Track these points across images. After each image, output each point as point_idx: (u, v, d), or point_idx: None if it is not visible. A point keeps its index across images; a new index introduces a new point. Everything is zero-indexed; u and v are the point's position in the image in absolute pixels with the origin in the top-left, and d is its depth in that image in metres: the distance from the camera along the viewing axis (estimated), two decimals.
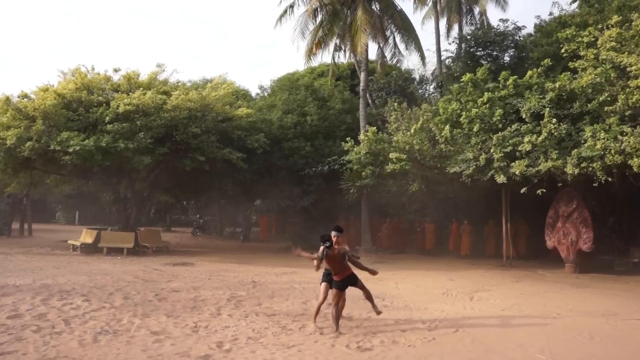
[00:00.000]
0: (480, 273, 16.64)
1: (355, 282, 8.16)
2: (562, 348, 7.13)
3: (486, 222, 22.72)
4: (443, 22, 31.17)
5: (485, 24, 29.47)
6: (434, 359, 6.52)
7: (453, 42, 26.92)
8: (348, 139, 18.66)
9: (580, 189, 16.73)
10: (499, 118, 15.50)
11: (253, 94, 31.85)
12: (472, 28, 28.94)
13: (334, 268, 8.00)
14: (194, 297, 10.21)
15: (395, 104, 18.74)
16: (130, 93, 17.67)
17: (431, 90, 29.34)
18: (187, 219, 40.12)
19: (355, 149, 18.09)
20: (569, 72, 15.37)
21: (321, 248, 7.83)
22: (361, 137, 17.37)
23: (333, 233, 8.20)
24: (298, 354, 6.61)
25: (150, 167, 18.93)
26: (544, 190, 14.85)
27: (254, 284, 12.50)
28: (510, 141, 15.09)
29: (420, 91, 30.52)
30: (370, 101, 26.55)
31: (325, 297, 8.26)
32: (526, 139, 14.11)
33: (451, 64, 25.72)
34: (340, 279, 8.02)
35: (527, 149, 14.12)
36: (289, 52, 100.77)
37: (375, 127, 17.56)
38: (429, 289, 12.68)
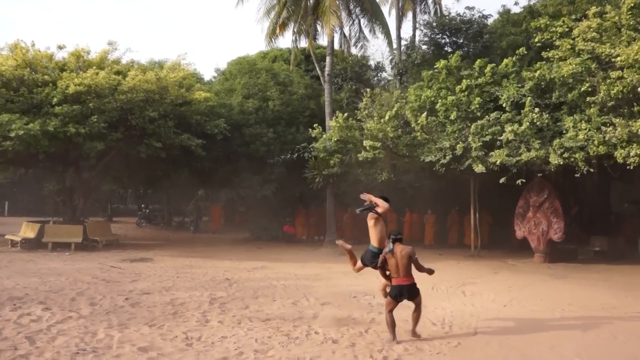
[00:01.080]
0: (453, 264, 16.33)
1: (415, 294, 6.95)
2: (596, 350, 6.65)
3: (449, 212, 22.62)
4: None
5: (439, 12, 29.22)
6: None
7: (418, 27, 26.41)
8: (316, 125, 17.77)
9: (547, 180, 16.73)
10: (477, 106, 15.10)
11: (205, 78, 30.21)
12: (426, 17, 28.68)
13: (392, 269, 6.91)
14: (171, 301, 9.06)
15: (369, 90, 18.00)
16: (80, 72, 15.87)
17: (389, 77, 28.85)
18: (127, 209, 37.96)
19: (324, 135, 17.23)
20: (543, 62, 15.16)
21: (387, 247, 6.84)
22: (331, 123, 16.51)
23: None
24: None
25: (101, 154, 17.22)
26: (524, 180, 14.63)
27: (229, 282, 11.44)
28: (489, 130, 14.72)
29: (375, 79, 30.03)
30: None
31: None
32: (508, 128, 13.75)
33: (412, 52, 25.29)
34: (397, 284, 6.85)
35: (509, 138, 13.77)
36: (231, 36, 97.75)
37: (346, 114, 16.73)
38: (421, 284, 12.05)
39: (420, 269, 7.05)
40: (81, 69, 16.33)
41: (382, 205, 7.14)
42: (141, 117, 16.31)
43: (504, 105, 14.55)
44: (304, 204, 22.61)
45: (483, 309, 9.23)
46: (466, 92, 15.27)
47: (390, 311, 6.87)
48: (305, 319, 8.05)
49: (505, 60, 15.65)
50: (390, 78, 28.97)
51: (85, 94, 15.16)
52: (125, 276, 11.74)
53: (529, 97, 14.01)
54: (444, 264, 15.93)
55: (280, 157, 18.89)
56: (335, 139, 16.50)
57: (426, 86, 17.36)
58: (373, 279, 12.71)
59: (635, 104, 12.49)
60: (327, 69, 19.99)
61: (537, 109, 13.66)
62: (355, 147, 17.12)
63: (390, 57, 28.30)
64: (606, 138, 12.19)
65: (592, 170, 12.93)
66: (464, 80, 15.33)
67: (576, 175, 13.21)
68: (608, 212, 19.24)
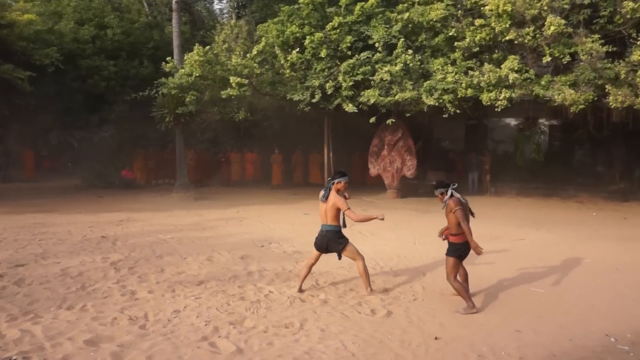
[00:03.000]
0: (316, 203, 16.28)
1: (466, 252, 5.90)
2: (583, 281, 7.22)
3: (294, 151, 22.66)
4: None
5: None
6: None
7: None
8: (169, 58, 15.78)
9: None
10: (348, 45, 14.92)
11: None
12: None
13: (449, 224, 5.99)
14: (62, 272, 7.32)
15: (233, 22, 16.46)
16: None
17: (224, 10, 27.08)
18: None
19: (181, 70, 15.43)
20: (405, 4, 15.50)
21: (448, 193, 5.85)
22: (192, 57, 14.79)
23: (340, 180, 6.41)
24: (322, 333, 5.15)
25: None
26: (393, 120, 15.16)
27: (109, 240, 9.76)
28: (360, 70, 14.74)
29: (205, 10, 27.96)
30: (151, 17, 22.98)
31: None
32: (385, 69, 13.88)
33: None
34: (458, 241, 5.83)
35: (385, 79, 13.95)
36: None
37: (208, 47, 15.11)
38: (306, 226, 11.83)
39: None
40: None
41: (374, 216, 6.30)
42: None
43: (376, 45, 14.62)
44: (143, 146, 20.42)
45: (403, 249, 9.39)
46: (337, 30, 14.95)
47: (455, 277, 5.88)
48: (243, 278, 7.23)
49: (371, 0, 15.63)
50: (224, 9, 27.24)
51: None
52: None
53: (402, 39, 14.27)
54: (308, 205, 15.96)
55: (137, 94, 16.40)
56: (197, 75, 14.88)
57: (287, 21, 16.58)
58: (256, 223, 12.19)
59: (496, 50, 13.61)
60: None
61: (410, 51, 14.02)
62: (215, 84, 15.73)
63: None
64: (474, 82, 13.11)
65: (458, 111, 13.85)
66: (336, 18, 14.95)
67: (444, 115, 14.08)
68: (446, 151, 21.24)
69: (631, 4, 11.12)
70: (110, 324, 5.38)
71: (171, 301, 6.13)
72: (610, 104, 11.61)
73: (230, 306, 5.98)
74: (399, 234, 10.96)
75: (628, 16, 11.44)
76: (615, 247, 9.44)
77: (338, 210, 6.35)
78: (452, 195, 5.84)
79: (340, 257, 6.60)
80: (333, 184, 6.42)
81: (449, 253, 5.89)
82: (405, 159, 17.48)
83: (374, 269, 7.86)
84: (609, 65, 11.62)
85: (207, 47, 14.98)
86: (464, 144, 23.21)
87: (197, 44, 14.95)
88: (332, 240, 6.41)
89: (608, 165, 17.92)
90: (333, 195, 6.36)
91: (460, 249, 5.81)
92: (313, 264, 6.69)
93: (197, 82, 15.41)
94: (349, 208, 6.19)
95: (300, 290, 6.58)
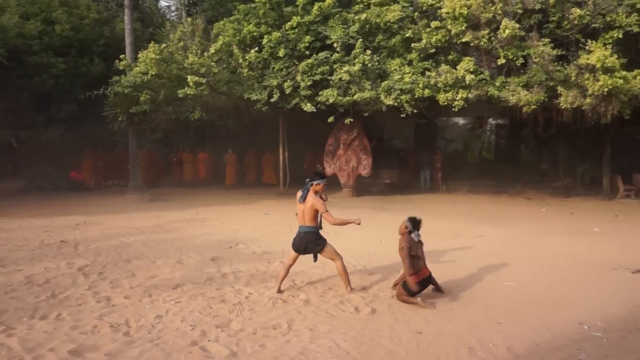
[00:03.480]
0: (274, 203, 16.49)
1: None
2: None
3: (247, 151, 22.52)
4: None
5: None
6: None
7: None
8: (122, 56, 15.29)
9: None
10: (306, 45, 14.96)
11: None
12: None
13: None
14: (28, 279, 6.99)
15: (190, 20, 16.09)
16: None
17: (172, 7, 26.46)
18: None
19: (136, 68, 14.98)
20: (360, 4, 15.73)
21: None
22: (148, 55, 14.38)
23: (319, 182, 6.41)
24: (311, 333, 5.18)
25: None
26: (352, 120, 15.33)
27: (69, 245, 9.39)
28: (318, 69, 14.81)
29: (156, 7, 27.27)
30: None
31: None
32: (344, 69, 14.02)
33: None
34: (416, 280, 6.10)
35: (344, 79, 14.08)
36: None
37: (164, 44, 14.75)
38: (270, 226, 11.81)
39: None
40: None
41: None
42: None
43: (334, 45, 14.74)
44: (92, 146, 19.67)
45: (370, 247, 9.54)
46: (296, 30, 14.96)
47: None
48: (218, 280, 7.14)
49: (328, 0, 15.73)
50: (172, 7, 26.62)
51: None
52: None
53: (360, 39, 14.45)
54: (268, 204, 15.97)
55: (92, 92, 15.69)
56: (153, 73, 14.50)
57: (243, 20, 16.46)
58: (218, 224, 12.05)
59: (452, 52, 14.02)
60: None
61: (368, 51, 14.22)
62: (171, 82, 15.40)
63: None
64: (431, 82, 13.46)
65: (415, 111, 14.17)
66: (294, 17, 14.96)
67: (402, 115, 14.38)
68: (398, 149, 21.66)
69: (578, 11, 11.76)
70: (91, 332, 5.20)
71: (150, 306, 5.99)
72: (561, 104, 12.23)
73: (212, 309, 5.90)
74: (363, 232, 11.03)
75: (575, 22, 12.08)
76: (569, 240, 9.97)
77: (316, 211, 6.38)
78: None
79: (315, 259, 6.65)
80: (311, 185, 6.44)
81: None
82: (360, 158, 17.72)
83: (347, 268, 7.92)
84: (559, 68, 12.24)
85: (163, 45, 14.65)
86: (414, 143, 23.80)
87: (152, 42, 14.59)
88: (310, 242, 6.43)
89: (552, 162, 18.83)
90: (311, 196, 6.38)
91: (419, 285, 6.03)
92: (291, 265, 6.69)
93: (152, 81, 15.03)
94: (326, 211, 6.23)
95: (280, 291, 6.57)
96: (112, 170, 20.57)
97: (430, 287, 6.38)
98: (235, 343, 4.93)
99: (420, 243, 6.24)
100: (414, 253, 6.10)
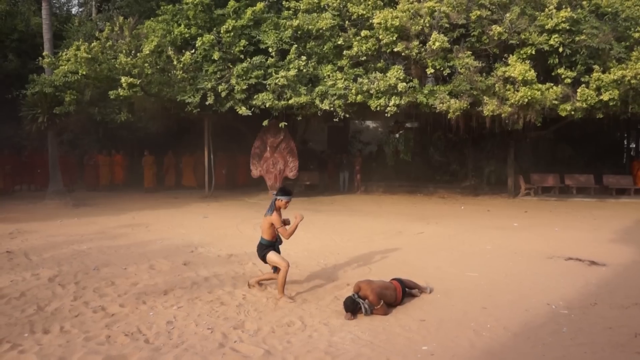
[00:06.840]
0: (204, 206, 16.46)
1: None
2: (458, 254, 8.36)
3: (165, 153, 22.04)
4: None
5: None
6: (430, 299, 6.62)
7: None
8: (46, 53, 14.40)
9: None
10: (241, 49, 15.09)
11: None
12: None
13: None
14: (0, 294, 6.62)
15: (122, 18, 15.39)
16: None
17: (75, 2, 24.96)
18: None
19: (63, 67, 14.15)
20: (289, 11, 16.17)
21: None
22: (78, 53, 13.64)
23: (281, 198, 6.66)
24: (327, 327, 5.55)
25: None
26: (286, 124, 15.70)
27: (14, 254, 8.87)
28: (253, 73, 15.01)
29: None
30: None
31: None
32: (281, 74, 14.35)
33: None
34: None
35: (281, 83, 14.41)
36: None
37: (95, 43, 14.06)
38: (217, 229, 11.90)
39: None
40: None
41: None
42: None
43: (269, 50, 15.01)
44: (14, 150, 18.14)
45: (329, 246, 10.00)
46: (230, 33, 15.02)
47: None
48: (204, 284, 7.23)
49: (259, 5, 15.95)
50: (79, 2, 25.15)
51: None
52: None
53: (294, 45, 14.87)
54: (198, 208, 15.83)
55: (15, 92, 14.38)
56: (83, 73, 13.81)
57: (172, 21, 16.20)
58: (165, 230, 11.87)
59: (381, 59, 14.90)
60: None
61: (303, 57, 14.68)
62: (98, 83, 14.76)
63: None
64: (364, 88, 14.24)
65: (347, 115, 14.88)
66: (229, 21, 15.01)
67: (335, 119, 15.02)
68: (319, 152, 22.35)
69: (499, 29, 13.16)
70: (108, 342, 5.16)
71: (154, 313, 6.00)
72: (485, 112, 13.58)
73: (218, 312, 6.05)
74: (314, 233, 11.47)
75: (495, 37, 13.48)
76: (499, 235, 11.17)
77: (271, 225, 6.66)
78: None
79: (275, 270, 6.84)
80: (276, 200, 6.70)
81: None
82: (287, 160, 18.15)
83: (318, 265, 8.35)
84: (481, 78, 13.57)
85: (94, 44, 14.01)
86: (326, 145, 24.69)
87: (81, 40, 13.91)
88: (259, 250, 6.79)
89: (461, 164, 20.54)
90: (275, 212, 6.65)
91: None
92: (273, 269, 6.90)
93: (80, 81, 14.31)
94: (281, 226, 6.57)
95: (259, 284, 6.89)
96: (19, 174, 19.11)
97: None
98: (262, 342, 5.17)
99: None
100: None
